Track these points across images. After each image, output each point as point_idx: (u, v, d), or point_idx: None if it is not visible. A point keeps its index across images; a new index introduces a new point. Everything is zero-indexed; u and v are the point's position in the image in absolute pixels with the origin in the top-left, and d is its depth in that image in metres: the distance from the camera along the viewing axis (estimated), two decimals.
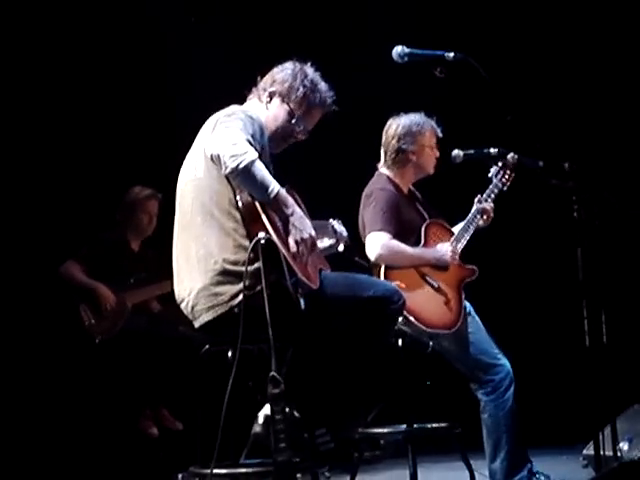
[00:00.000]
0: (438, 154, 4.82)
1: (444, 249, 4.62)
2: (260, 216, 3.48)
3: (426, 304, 4.48)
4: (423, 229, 4.68)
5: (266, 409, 3.63)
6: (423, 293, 4.52)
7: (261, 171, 3.45)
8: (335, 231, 4.12)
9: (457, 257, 4.64)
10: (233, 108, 3.74)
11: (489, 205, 4.79)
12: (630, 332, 6.25)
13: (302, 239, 3.50)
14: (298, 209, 3.55)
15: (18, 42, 6.04)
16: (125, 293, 5.78)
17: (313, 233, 3.55)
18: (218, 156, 3.46)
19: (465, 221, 4.75)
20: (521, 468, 4.46)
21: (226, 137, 3.48)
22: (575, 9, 6.83)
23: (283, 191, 3.53)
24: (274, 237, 3.44)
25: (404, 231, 4.61)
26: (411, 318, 4.37)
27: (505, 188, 4.84)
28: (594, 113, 6.80)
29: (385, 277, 4.45)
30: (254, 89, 3.89)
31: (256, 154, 3.45)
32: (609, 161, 6.52)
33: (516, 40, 6.87)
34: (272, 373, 3.36)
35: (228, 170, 3.44)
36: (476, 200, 4.79)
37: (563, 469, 5.05)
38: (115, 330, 5.68)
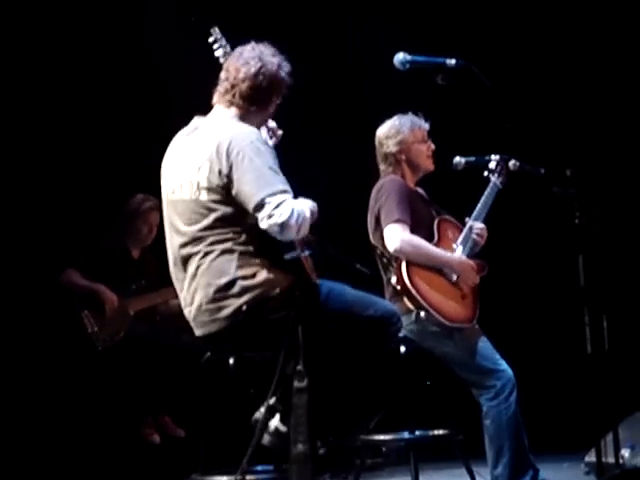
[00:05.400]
0: (433, 147, 4.68)
1: (466, 265, 4.55)
2: None
3: (445, 298, 4.45)
4: (436, 225, 4.58)
5: (275, 420, 3.63)
6: (442, 287, 4.47)
7: (301, 214, 3.46)
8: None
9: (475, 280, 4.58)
10: (248, 133, 3.63)
11: (481, 225, 4.64)
12: (632, 339, 6.25)
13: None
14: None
15: (19, 48, 6.04)
16: (127, 300, 5.78)
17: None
18: (260, 206, 3.44)
19: (463, 235, 4.63)
20: (524, 474, 4.44)
21: (265, 184, 3.46)
22: (576, 16, 6.84)
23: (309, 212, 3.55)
24: None
25: (416, 224, 4.50)
26: (433, 312, 4.36)
27: (502, 185, 4.70)
28: (596, 120, 6.80)
29: (407, 270, 4.39)
30: (234, 103, 3.72)
31: (290, 196, 3.47)
32: (610, 168, 6.52)
33: (517, 47, 6.87)
34: (299, 367, 3.37)
35: (269, 226, 3.44)
36: (466, 220, 4.64)
37: (564, 476, 5.04)
38: (118, 337, 5.68)
